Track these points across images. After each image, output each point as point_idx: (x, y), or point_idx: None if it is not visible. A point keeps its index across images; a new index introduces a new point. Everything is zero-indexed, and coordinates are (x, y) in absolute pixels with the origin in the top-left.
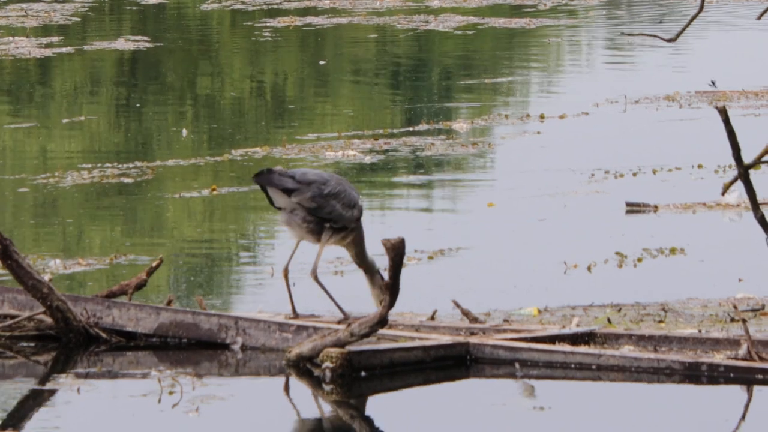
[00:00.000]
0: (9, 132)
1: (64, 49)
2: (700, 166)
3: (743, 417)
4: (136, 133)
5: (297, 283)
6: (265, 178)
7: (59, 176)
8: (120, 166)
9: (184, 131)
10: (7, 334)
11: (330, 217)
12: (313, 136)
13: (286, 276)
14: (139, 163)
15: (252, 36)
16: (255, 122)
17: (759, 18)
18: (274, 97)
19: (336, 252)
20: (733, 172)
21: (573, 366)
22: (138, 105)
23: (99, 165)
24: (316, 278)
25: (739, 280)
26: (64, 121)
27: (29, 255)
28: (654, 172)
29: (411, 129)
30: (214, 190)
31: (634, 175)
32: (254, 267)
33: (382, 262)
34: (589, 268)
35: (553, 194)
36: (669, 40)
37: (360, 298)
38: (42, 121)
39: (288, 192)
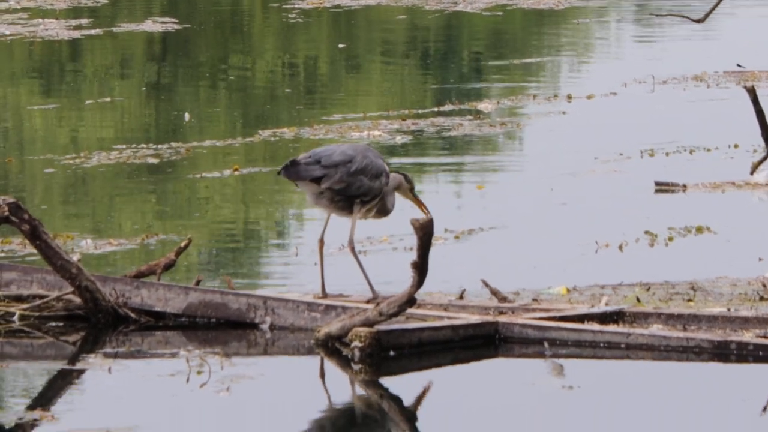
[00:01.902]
0: (38, 113)
1: (93, 31)
2: (735, 146)
3: None
4: (165, 114)
5: (325, 261)
6: (292, 172)
7: (86, 157)
8: (148, 146)
9: (187, 115)
10: (36, 314)
11: (359, 192)
12: (342, 116)
13: (321, 247)
14: (167, 144)
15: (281, 17)
16: (284, 103)
17: None
18: (302, 78)
19: (363, 232)
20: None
21: (602, 345)
22: (166, 86)
23: (127, 146)
24: (353, 250)
25: (759, 259)
26: (88, 102)
27: (60, 235)
28: (691, 151)
29: (437, 109)
30: (236, 170)
31: (667, 155)
32: (282, 246)
33: (410, 240)
34: (620, 248)
35: (581, 174)
36: (697, 21)
37: (387, 278)
38: (70, 103)
39: (317, 180)
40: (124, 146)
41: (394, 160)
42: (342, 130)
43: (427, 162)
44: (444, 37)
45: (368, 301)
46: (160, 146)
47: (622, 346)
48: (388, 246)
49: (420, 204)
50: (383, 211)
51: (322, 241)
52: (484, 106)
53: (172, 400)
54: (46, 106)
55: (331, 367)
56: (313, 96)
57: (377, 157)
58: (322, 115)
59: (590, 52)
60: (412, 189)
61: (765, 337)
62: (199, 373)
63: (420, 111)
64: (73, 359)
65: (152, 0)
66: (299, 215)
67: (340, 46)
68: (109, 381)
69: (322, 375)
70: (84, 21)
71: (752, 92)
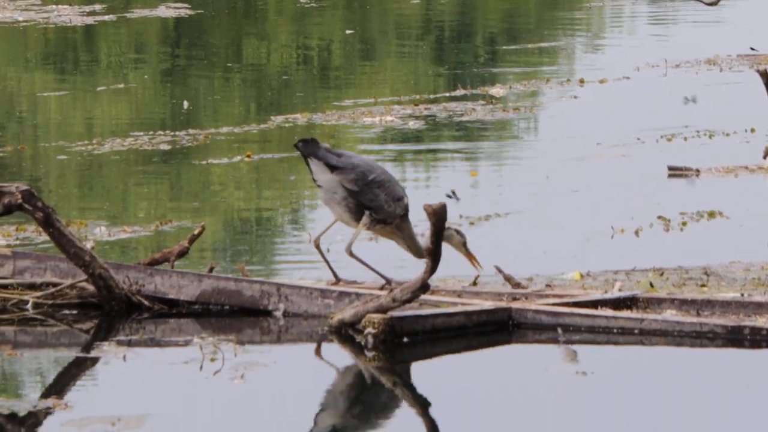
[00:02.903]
0: (52, 100)
1: (106, 17)
2: (752, 130)
3: None
4: (178, 100)
5: (338, 251)
6: (309, 147)
7: (99, 143)
8: (162, 133)
9: (186, 103)
10: (50, 302)
11: (371, 205)
12: (354, 102)
13: (317, 246)
14: (180, 131)
15: (294, 2)
16: (297, 89)
17: None
18: (316, 63)
19: None
20: None
21: (615, 331)
22: (180, 72)
23: (140, 133)
24: (351, 254)
25: None
26: (101, 88)
27: (73, 222)
28: (711, 135)
29: (449, 94)
30: (248, 156)
31: (685, 139)
32: (296, 233)
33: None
34: (637, 233)
35: (593, 159)
36: (710, 4)
37: (400, 264)
38: (84, 89)
39: (331, 168)
40: (137, 133)
41: (407, 145)
42: (355, 115)
43: (440, 147)
44: (458, 21)
45: (381, 288)
46: (173, 133)
47: (636, 331)
48: None
49: (472, 258)
50: (416, 251)
51: (318, 241)
52: (496, 90)
53: (185, 388)
54: (59, 93)
55: (345, 353)
56: (326, 81)
57: (398, 185)
58: (335, 101)
59: (603, 35)
60: (464, 244)
61: None
62: (212, 360)
63: (432, 96)
64: (87, 347)
65: None
66: (313, 202)
67: (348, 32)
68: (123, 369)
69: (336, 362)
70: (97, 7)
71: (765, 76)
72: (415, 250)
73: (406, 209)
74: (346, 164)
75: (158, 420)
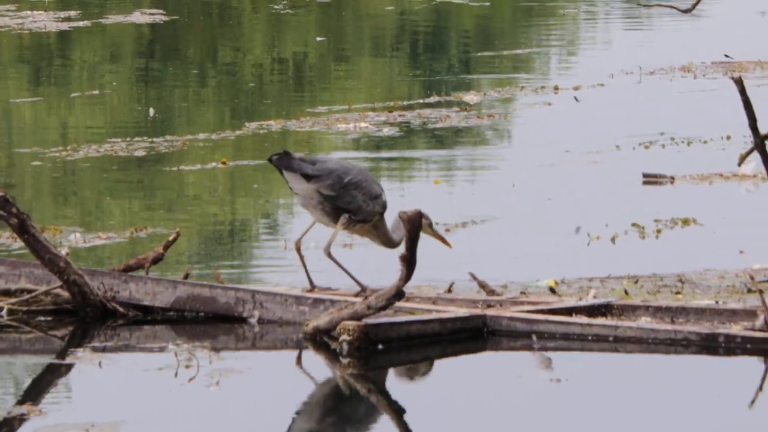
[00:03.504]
0: (26, 106)
1: (81, 23)
2: (728, 138)
3: (760, 388)
4: (153, 106)
5: (312, 257)
6: (283, 161)
7: (74, 149)
8: (137, 139)
9: (151, 110)
10: (24, 308)
11: (349, 207)
12: (328, 108)
13: (298, 249)
14: (155, 138)
15: (269, 9)
16: (271, 96)
17: None
18: (291, 70)
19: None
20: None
21: (590, 338)
22: (155, 79)
23: (115, 139)
24: (329, 255)
25: (741, 252)
26: (76, 94)
27: (47, 228)
28: (689, 143)
29: (422, 101)
30: (224, 163)
31: (663, 147)
32: (271, 240)
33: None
34: (613, 240)
35: (567, 166)
36: (685, 11)
37: (375, 271)
38: (58, 95)
39: (307, 177)
40: (112, 139)
41: (382, 153)
42: (329, 122)
43: (414, 155)
44: (432, 28)
45: (356, 295)
46: (150, 139)
47: (610, 338)
48: None
49: (440, 239)
50: (389, 243)
51: (299, 243)
52: (470, 97)
53: (160, 395)
54: (33, 99)
55: (320, 360)
56: (301, 88)
57: (375, 183)
58: (309, 107)
59: (578, 42)
60: (430, 225)
61: (753, 329)
62: (187, 367)
63: (407, 103)
64: (62, 354)
65: None
66: (289, 209)
67: (319, 39)
68: (98, 375)
69: (310, 369)
70: (72, 13)
71: (740, 83)
72: (388, 243)
73: (384, 206)
74: (322, 170)
75: (132, 427)
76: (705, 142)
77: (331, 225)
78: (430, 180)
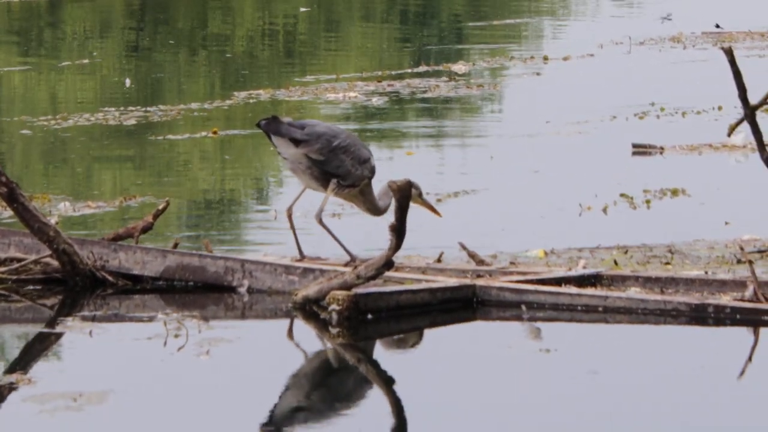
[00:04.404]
0: (16, 75)
1: None
2: (719, 108)
3: (749, 358)
4: (143, 76)
5: (302, 227)
6: (271, 125)
7: (64, 118)
8: (126, 109)
9: (127, 81)
10: (14, 277)
11: (338, 172)
12: (315, 78)
13: (289, 216)
14: (145, 107)
15: None
16: (261, 65)
17: None
18: (281, 40)
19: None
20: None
21: (579, 308)
22: (145, 48)
23: (105, 108)
24: (320, 222)
25: (726, 223)
26: (65, 63)
27: (35, 197)
28: (683, 114)
29: (411, 71)
30: (215, 133)
31: (652, 117)
32: (261, 210)
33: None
34: (604, 210)
35: (556, 136)
36: None
37: (364, 241)
38: (48, 65)
39: (295, 142)
40: (101, 108)
41: (371, 122)
42: (318, 91)
43: (403, 124)
44: None
45: (346, 264)
46: (138, 108)
47: (600, 309)
48: None
49: (430, 208)
50: (374, 210)
51: (290, 210)
52: (459, 67)
53: (149, 364)
54: (23, 68)
55: (309, 330)
56: (290, 58)
57: (364, 147)
58: (299, 77)
59: (568, 12)
60: (420, 194)
61: (742, 300)
62: (176, 336)
63: (396, 72)
64: (51, 323)
65: None
66: (278, 178)
67: (302, 9)
68: (87, 344)
69: (300, 338)
70: None
71: (729, 53)
72: (374, 210)
73: (372, 171)
74: (311, 135)
75: (120, 395)
76: (695, 112)
77: (320, 190)
78: (419, 149)
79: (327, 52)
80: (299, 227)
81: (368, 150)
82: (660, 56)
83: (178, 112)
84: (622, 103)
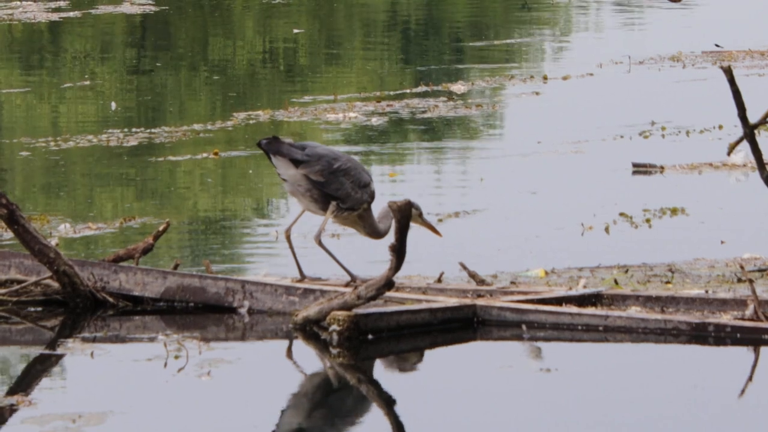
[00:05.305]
0: (16, 96)
1: (71, 13)
2: (720, 127)
3: (750, 377)
4: (144, 97)
5: (302, 247)
6: (272, 145)
7: (65, 140)
8: (127, 130)
9: (113, 104)
10: (14, 299)
11: (337, 195)
12: (313, 98)
13: (288, 238)
14: (145, 128)
15: None
16: (261, 86)
17: None
18: (281, 60)
19: None
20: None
21: (580, 327)
22: (146, 69)
23: (106, 129)
24: (320, 243)
25: (722, 242)
26: (67, 85)
27: (35, 219)
28: (687, 133)
29: (409, 91)
30: (216, 154)
31: (663, 137)
32: (261, 231)
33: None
34: (606, 229)
35: (556, 155)
36: (675, 0)
37: (364, 261)
38: (50, 86)
39: (296, 163)
40: (102, 130)
41: (370, 141)
42: (317, 112)
43: (403, 145)
44: (424, 17)
45: (346, 285)
46: (139, 130)
47: (600, 328)
48: None
49: (431, 228)
50: (375, 233)
51: (289, 232)
52: (457, 87)
53: (149, 385)
54: (24, 90)
55: (309, 350)
56: (291, 78)
57: (365, 171)
58: (298, 97)
59: (568, 32)
60: (420, 215)
61: (743, 319)
62: (177, 357)
63: (395, 93)
64: (52, 344)
65: None
66: (278, 200)
67: (296, 31)
68: (88, 366)
69: (300, 359)
70: (62, 3)
71: (729, 72)
72: (374, 234)
73: (372, 196)
74: (312, 156)
75: (120, 417)
76: (696, 131)
77: (319, 213)
78: (419, 169)
79: (328, 72)
80: (299, 248)
81: (369, 175)
82: (660, 75)
83: (183, 134)
84: (622, 122)
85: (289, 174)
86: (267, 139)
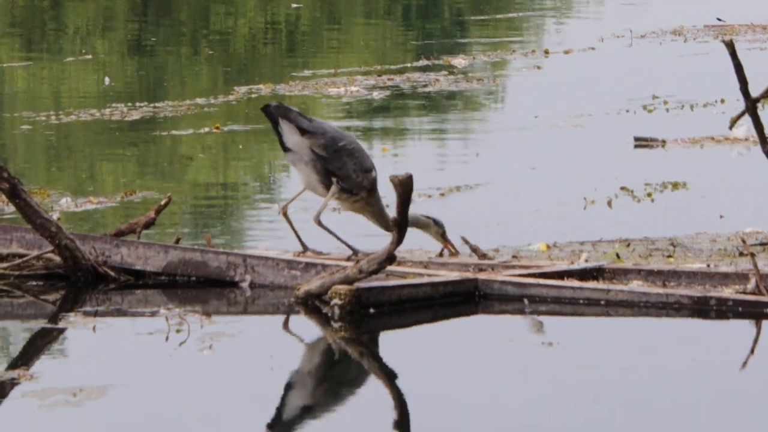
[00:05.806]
0: (19, 70)
1: None
2: (722, 101)
3: (752, 351)
4: (146, 72)
5: (303, 221)
6: (280, 109)
7: (66, 114)
8: (129, 104)
9: (107, 79)
10: (16, 273)
11: (339, 173)
12: (313, 72)
13: (285, 215)
14: (147, 102)
15: None
16: (261, 60)
17: None
18: (283, 34)
19: None
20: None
21: (581, 301)
22: (148, 44)
23: (108, 103)
24: (319, 223)
25: (720, 216)
26: (69, 59)
27: (36, 192)
28: (692, 107)
29: (410, 65)
30: (217, 128)
31: (667, 110)
32: (263, 204)
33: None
34: (609, 203)
35: (559, 129)
36: None
37: (366, 235)
38: (51, 60)
39: (301, 131)
40: (104, 103)
41: (372, 115)
42: (318, 86)
43: (404, 119)
44: None
45: (348, 259)
46: (140, 104)
47: (602, 302)
48: None
49: (451, 247)
50: (386, 223)
51: (285, 209)
52: (459, 61)
53: (151, 359)
54: (25, 63)
55: (311, 325)
56: (293, 53)
57: (369, 158)
58: (299, 71)
59: (570, 5)
60: (443, 234)
61: (744, 292)
62: (178, 331)
63: (397, 67)
64: (53, 318)
65: None
66: (280, 174)
67: (294, 6)
68: (89, 340)
69: (302, 333)
70: None
71: (731, 46)
72: (385, 224)
73: (373, 182)
74: (317, 128)
75: (121, 390)
76: (698, 105)
77: (319, 189)
78: (421, 143)
79: (328, 46)
80: (300, 223)
81: (371, 161)
82: (661, 49)
83: (187, 107)
84: (624, 96)
85: (294, 141)
86: (275, 104)
